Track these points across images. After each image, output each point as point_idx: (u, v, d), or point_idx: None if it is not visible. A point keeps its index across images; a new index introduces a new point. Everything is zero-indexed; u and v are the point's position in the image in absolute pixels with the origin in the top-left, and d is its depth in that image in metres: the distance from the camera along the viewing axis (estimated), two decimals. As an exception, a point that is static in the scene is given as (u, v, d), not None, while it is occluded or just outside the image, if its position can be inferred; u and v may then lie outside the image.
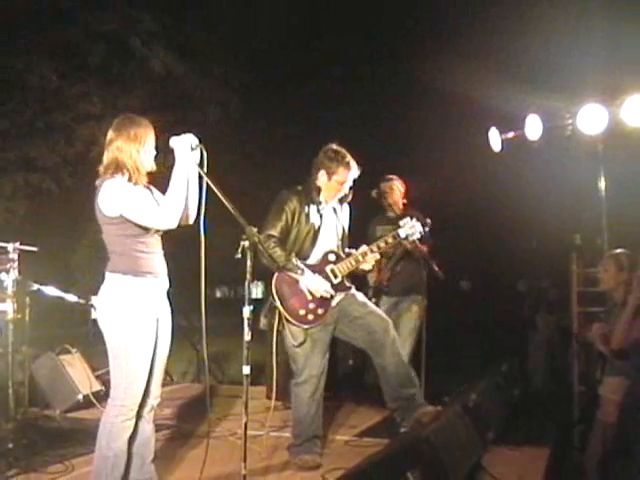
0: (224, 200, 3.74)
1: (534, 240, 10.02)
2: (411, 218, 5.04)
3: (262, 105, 11.54)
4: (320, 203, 4.90)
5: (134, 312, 3.70)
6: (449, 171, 9.50)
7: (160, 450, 4.62)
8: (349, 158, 4.86)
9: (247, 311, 3.85)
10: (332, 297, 4.78)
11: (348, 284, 4.90)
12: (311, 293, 4.71)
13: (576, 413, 6.10)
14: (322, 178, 4.87)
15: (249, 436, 3.80)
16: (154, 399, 3.92)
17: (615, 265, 4.97)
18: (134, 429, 3.80)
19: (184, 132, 3.81)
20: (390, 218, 6.31)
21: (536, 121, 6.70)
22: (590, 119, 6.32)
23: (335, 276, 4.81)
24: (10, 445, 4.92)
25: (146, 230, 3.74)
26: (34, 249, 5.60)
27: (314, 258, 4.83)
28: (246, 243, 3.90)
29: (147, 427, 3.89)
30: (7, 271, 5.31)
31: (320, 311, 4.74)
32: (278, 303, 4.69)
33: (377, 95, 11.41)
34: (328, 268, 4.81)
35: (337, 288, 4.82)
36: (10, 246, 5.34)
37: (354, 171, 4.89)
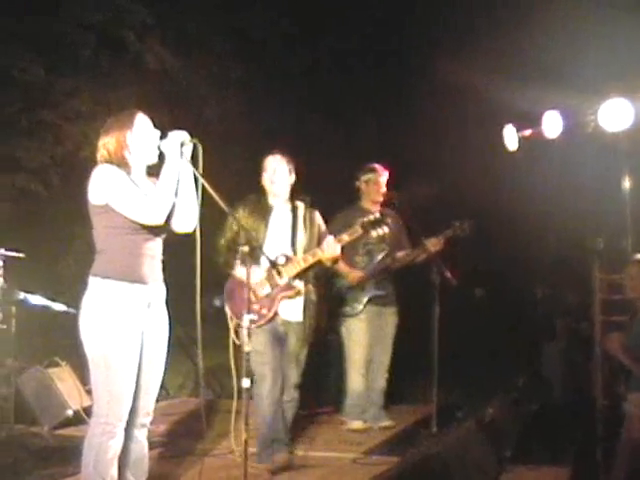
0: (220, 202, 3.73)
1: (553, 244, 9.99)
2: None
3: (261, 102, 11.54)
4: (269, 206, 5.31)
5: (114, 321, 3.60)
6: (462, 171, 9.48)
7: (154, 469, 4.61)
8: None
9: (247, 320, 3.85)
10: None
11: (294, 284, 5.17)
12: (255, 294, 5.00)
13: (599, 429, 6.05)
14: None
15: (250, 454, 3.78)
16: (144, 417, 3.81)
17: (642, 271, 4.95)
18: (124, 449, 3.70)
19: (176, 129, 3.79)
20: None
21: (555, 118, 6.67)
22: (613, 115, 6.28)
23: (281, 277, 5.12)
24: (-5, 464, 4.92)
25: (135, 226, 3.66)
26: (21, 255, 5.60)
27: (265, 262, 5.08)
28: (245, 249, 3.92)
29: (137, 447, 3.80)
30: (-8, 279, 5.31)
31: (264, 311, 5.06)
32: (227, 307, 5.10)
33: (387, 92, 11.40)
34: (274, 270, 5.08)
35: (282, 288, 5.13)
36: (-5, 252, 5.34)
37: (273, 159, 5.30)
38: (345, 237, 5.23)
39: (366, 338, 6.38)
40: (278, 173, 5.29)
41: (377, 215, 5.22)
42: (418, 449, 4.72)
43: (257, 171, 5.38)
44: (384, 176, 6.42)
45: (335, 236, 5.22)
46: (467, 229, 6.20)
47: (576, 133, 6.60)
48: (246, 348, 3.87)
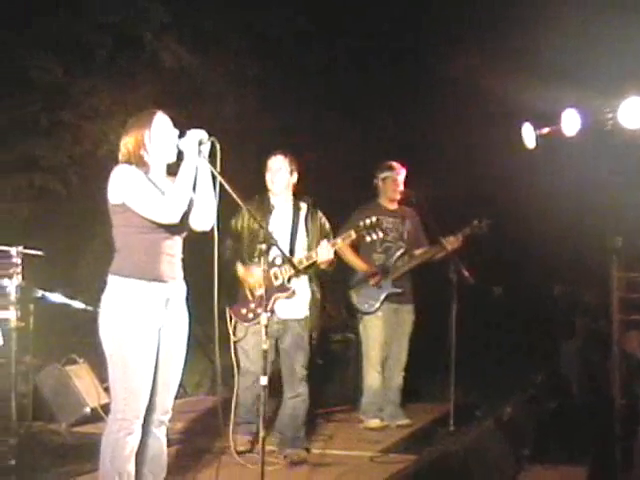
0: (238, 200, 3.74)
1: (571, 242, 9.95)
2: None
3: (278, 100, 11.54)
4: (271, 206, 5.43)
5: (131, 319, 3.62)
6: (480, 169, 9.46)
7: (172, 466, 4.64)
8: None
9: (265, 318, 3.86)
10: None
11: (289, 286, 5.29)
12: (252, 293, 5.23)
13: (617, 428, 6.03)
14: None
15: (268, 451, 3.80)
16: (162, 414, 3.82)
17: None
18: (142, 446, 3.73)
19: (194, 127, 3.80)
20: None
21: (573, 115, 6.65)
22: (633, 112, 6.26)
23: (276, 278, 5.25)
24: (13, 461, 4.93)
25: (152, 225, 3.66)
26: (39, 253, 5.63)
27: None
28: (263, 247, 3.94)
29: (155, 444, 3.82)
30: (10, 277, 5.33)
31: (259, 310, 5.07)
32: (227, 306, 5.27)
33: (404, 89, 11.37)
34: (272, 271, 5.22)
35: (277, 290, 5.25)
36: (13, 250, 5.36)
37: (274, 159, 5.45)
38: (339, 241, 5.33)
39: (383, 335, 6.40)
40: (279, 173, 5.40)
41: (373, 219, 5.24)
42: (436, 447, 4.73)
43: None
44: (402, 174, 6.45)
45: (329, 240, 5.28)
46: (485, 228, 6.21)
47: (595, 131, 6.58)
48: (263, 346, 3.88)
